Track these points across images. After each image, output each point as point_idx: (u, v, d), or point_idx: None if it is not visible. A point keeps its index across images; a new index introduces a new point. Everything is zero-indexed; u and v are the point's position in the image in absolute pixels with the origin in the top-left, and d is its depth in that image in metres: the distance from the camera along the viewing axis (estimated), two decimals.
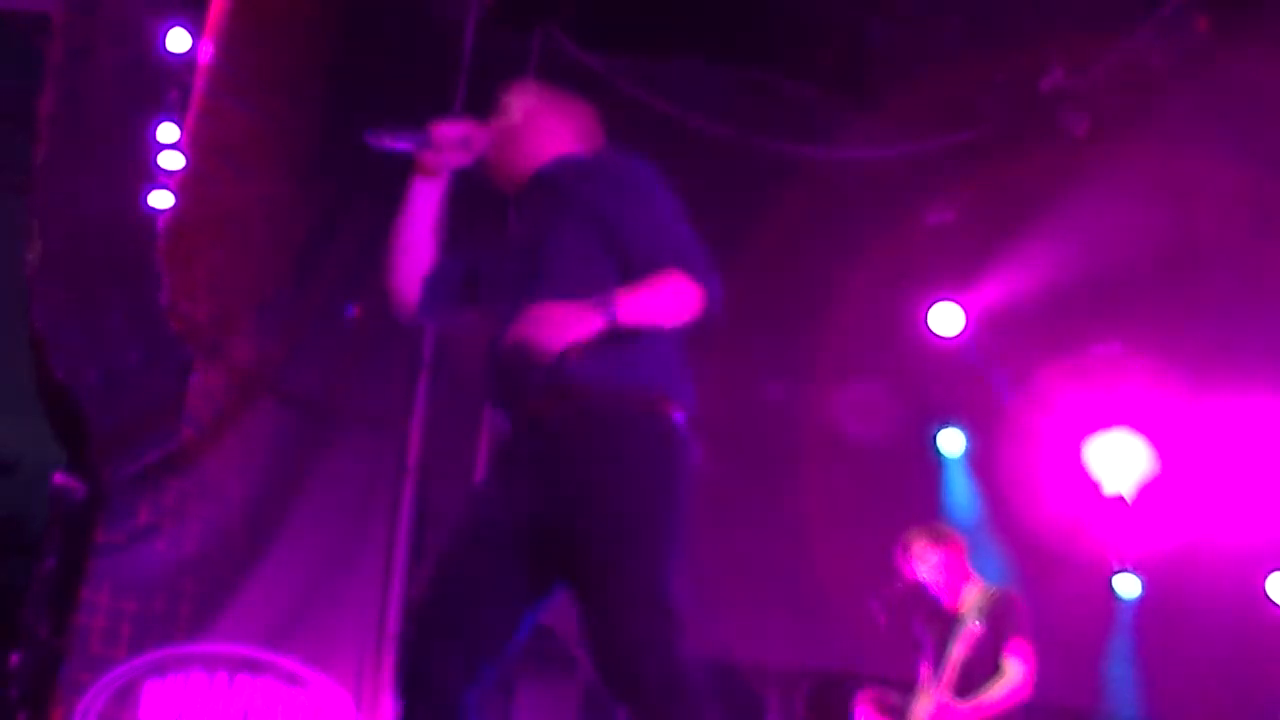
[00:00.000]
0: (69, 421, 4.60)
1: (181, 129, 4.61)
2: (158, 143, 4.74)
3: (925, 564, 4.99)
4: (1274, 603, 6.29)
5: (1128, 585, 6.50)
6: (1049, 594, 5.39)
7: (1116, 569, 6.47)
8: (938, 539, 5.15)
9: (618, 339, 2.66)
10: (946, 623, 4.92)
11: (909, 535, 5.23)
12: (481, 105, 3.14)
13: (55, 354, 4.33)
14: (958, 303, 6.65)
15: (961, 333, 6.63)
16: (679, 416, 2.76)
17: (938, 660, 4.94)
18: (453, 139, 2.85)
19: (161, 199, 4.69)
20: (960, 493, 6.75)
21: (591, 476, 2.62)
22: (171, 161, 4.68)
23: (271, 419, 4.94)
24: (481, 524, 2.75)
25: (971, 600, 4.93)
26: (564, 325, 2.55)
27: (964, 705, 4.71)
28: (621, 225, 2.80)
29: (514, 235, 2.98)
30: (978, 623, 4.94)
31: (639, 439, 2.67)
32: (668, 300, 2.74)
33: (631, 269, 2.77)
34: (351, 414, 4.86)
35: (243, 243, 4.79)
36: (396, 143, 2.83)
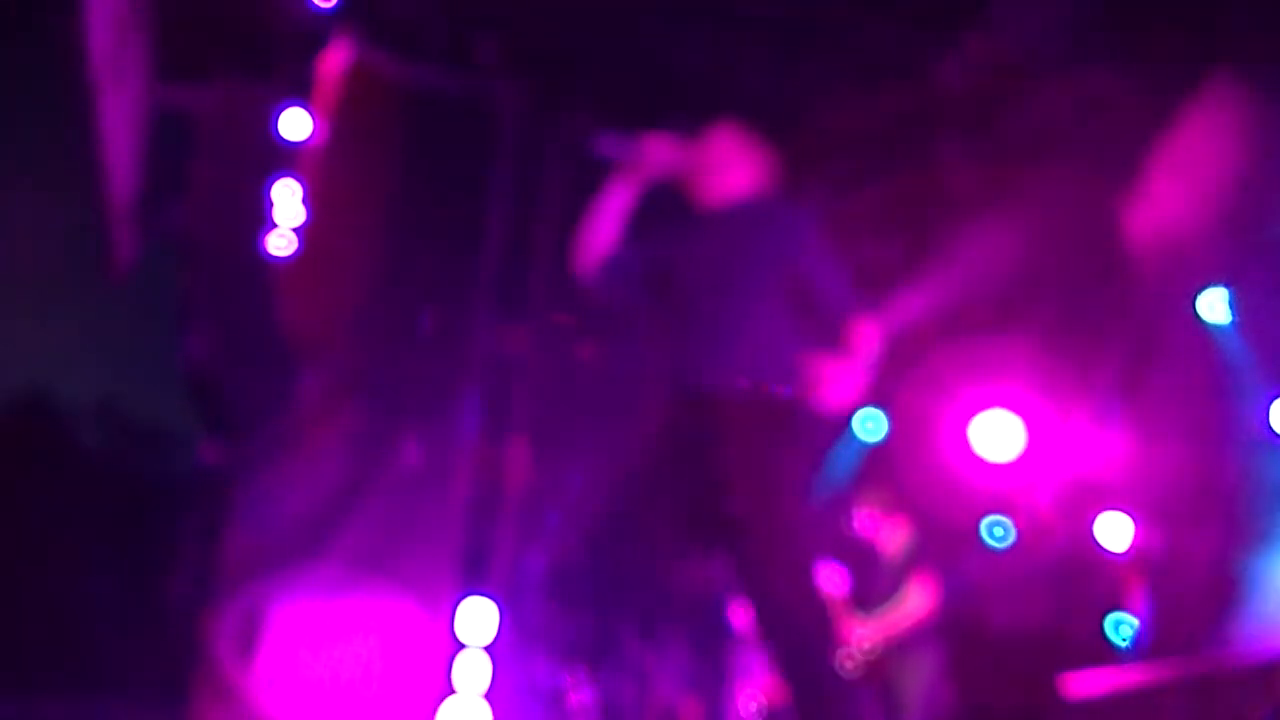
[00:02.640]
0: (211, 406, 5.65)
1: (299, 185, 5.61)
2: (272, 199, 5.85)
3: (860, 514, 5.87)
4: (1098, 542, 7.21)
5: (997, 531, 7.39)
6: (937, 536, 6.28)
7: (987, 518, 7.34)
8: (872, 498, 6.08)
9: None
10: (869, 559, 5.81)
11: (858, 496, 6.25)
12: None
13: (205, 356, 5.39)
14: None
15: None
16: None
17: (861, 588, 5.81)
18: (657, 156, 3.12)
19: (278, 242, 5.76)
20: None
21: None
22: (285, 212, 5.81)
23: (358, 410, 5.98)
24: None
25: (898, 546, 5.80)
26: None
27: (874, 621, 5.59)
28: (811, 272, 3.09)
29: (701, 250, 3.18)
30: (892, 559, 5.98)
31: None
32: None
33: (823, 309, 3.08)
34: (420, 407, 5.95)
35: (339, 274, 5.77)
36: (611, 149, 3.11)
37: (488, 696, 5.73)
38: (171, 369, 5.59)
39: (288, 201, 5.42)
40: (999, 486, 7.10)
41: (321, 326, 5.68)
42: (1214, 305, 6.96)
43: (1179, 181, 6.02)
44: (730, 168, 3.22)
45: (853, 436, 7.37)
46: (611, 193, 3.19)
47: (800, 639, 2.81)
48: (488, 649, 5.73)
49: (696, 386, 2.97)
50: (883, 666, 5.58)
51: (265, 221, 5.54)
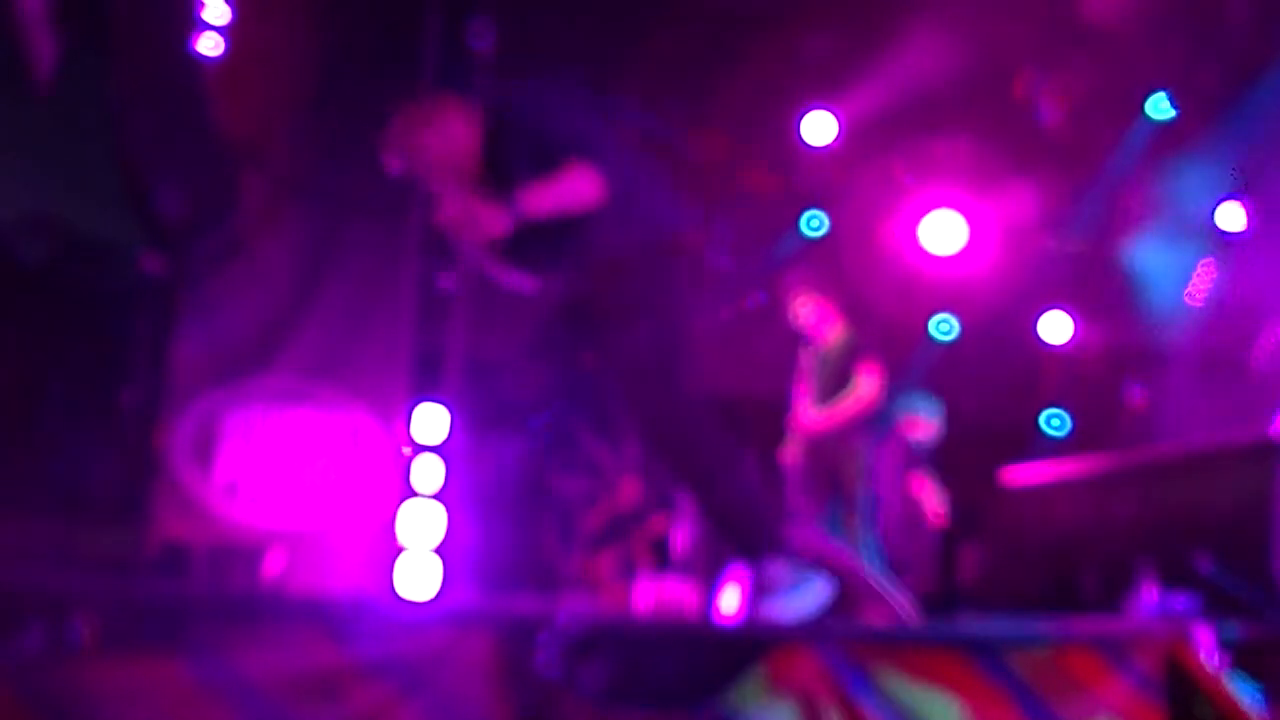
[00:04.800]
0: (151, 215, 5.48)
1: None
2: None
3: (803, 309, 6.05)
4: (1041, 339, 7.54)
5: (943, 328, 7.62)
6: (891, 330, 6.43)
7: (937, 314, 7.54)
8: (811, 293, 6.27)
9: None
10: (817, 353, 5.95)
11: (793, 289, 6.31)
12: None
13: (139, 161, 5.20)
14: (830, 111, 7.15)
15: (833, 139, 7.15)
16: None
17: (810, 380, 6.05)
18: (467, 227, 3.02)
19: (208, 44, 5.52)
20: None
21: None
22: (215, 13, 5.54)
23: (302, 214, 5.81)
24: None
25: (835, 338, 6.06)
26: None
27: (822, 411, 5.86)
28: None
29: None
30: (830, 350, 6.07)
31: None
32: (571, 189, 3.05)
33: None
34: (366, 209, 5.81)
35: (274, 75, 5.54)
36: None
37: (440, 498, 5.80)
38: (108, 179, 5.40)
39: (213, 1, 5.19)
40: (945, 281, 7.17)
41: (259, 129, 5.50)
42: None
43: None
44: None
45: (795, 231, 7.37)
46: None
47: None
48: (440, 450, 5.76)
49: None
50: (826, 456, 5.72)
51: (196, 22, 5.30)
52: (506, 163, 3.13)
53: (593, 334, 3.24)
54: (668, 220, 3.25)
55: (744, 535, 3.17)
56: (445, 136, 3.21)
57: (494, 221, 2.93)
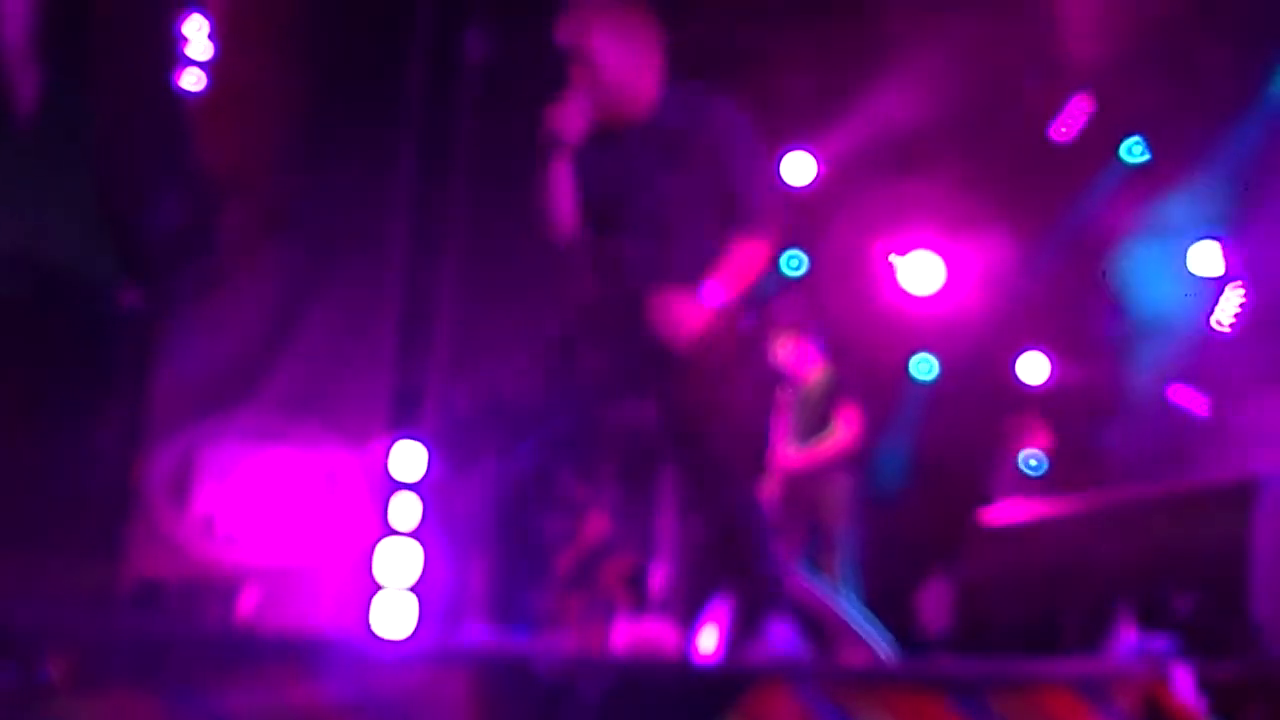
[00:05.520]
0: (130, 248, 5.46)
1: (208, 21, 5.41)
2: (185, 35, 5.58)
3: (783, 348, 6.02)
4: (1018, 378, 7.55)
5: (923, 367, 7.61)
6: (865, 372, 6.40)
7: (915, 354, 7.52)
8: (792, 332, 6.28)
9: None
10: (797, 392, 5.95)
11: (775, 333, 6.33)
12: None
13: (120, 194, 5.18)
14: (809, 152, 7.19)
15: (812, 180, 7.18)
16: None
17: (790, 420, 6.14)
18: (571, 129, 3.01)
19: (190, 79, 5.54)
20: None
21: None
22: (198, 49, 5.55)
23: (287, 244, 5.85)
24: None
25: (816, 377, 6.08)
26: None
27: (802, 451, 5.85)
28: (734, 180, 3.05)
29: (618, 171, 3.12)
30: (811, 391, 6.08)
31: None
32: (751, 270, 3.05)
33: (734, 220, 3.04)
34: (346, 244, 5.79)
35: (256, 110, 5.58)
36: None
37: (418, 536, 5.77)
38: (87, 212, 5.39)
39: (197, 37, 5.20)
40: (924, 322, 7.20)
41: (241, 162, 5.48)
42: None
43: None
44: (630, 78, 3.09)
45: (776, 271, 7.39)
46: (552, 172, 3.11)
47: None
48: (417, 488, 5.74)
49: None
50: (805, 494, 5.73)
51: (178, 58, 5.31)
52: (655, 143, 3.06)
53: (662, 390, 3.11)
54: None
55: (756, 598, 3.14)
56: (628, 62, 3.08)
57: (691, 317, 2.94)
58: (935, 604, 6.06)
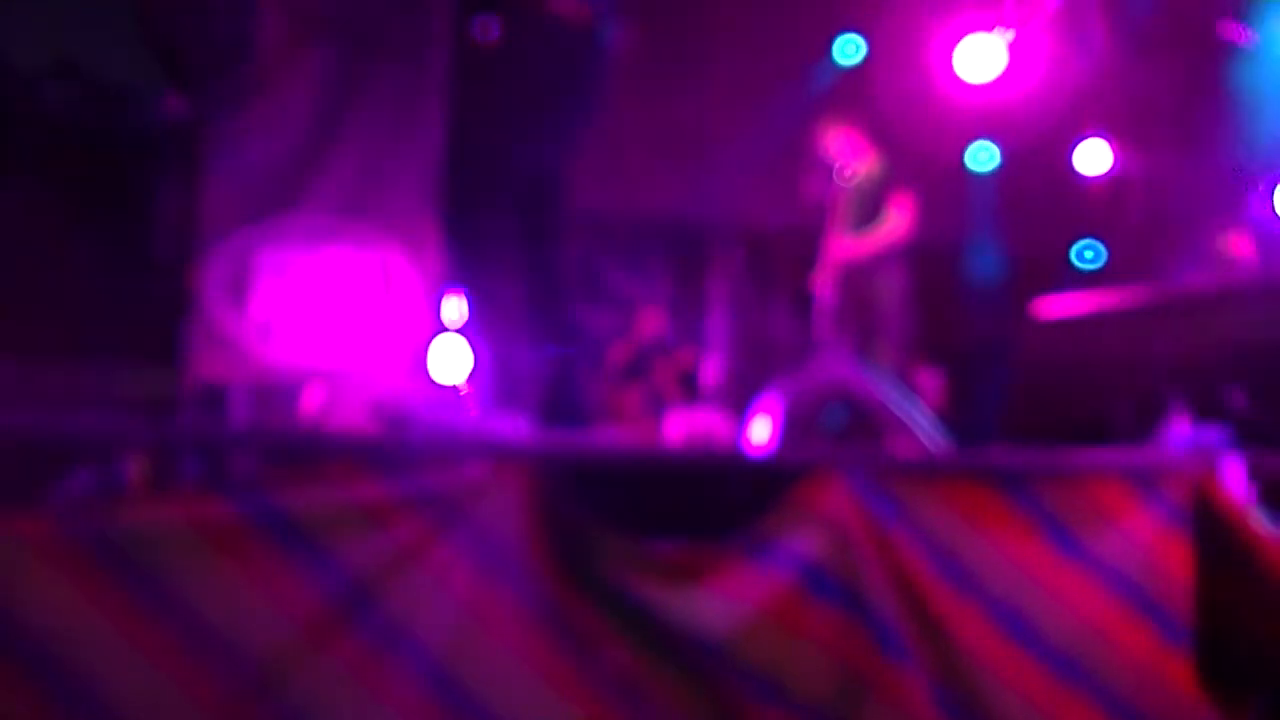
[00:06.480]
0: (171, 56, 5.42)
1: None
2: None
3: (833, 140, 6.08)
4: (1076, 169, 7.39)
5: (985, 156, 7.51)
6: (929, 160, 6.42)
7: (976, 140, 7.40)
8: (840, 119, 6.17)
9: None
10: (848, 184, 5.95)
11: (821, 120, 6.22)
12: None
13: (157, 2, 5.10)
14: None
15: None
16: None
17: (843, 211, 6.16)
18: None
19: None
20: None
21: None
22: None
23: (324, 50, 5.74)
24: None
25: (868, 166, 6.05)
26: None
27: (855, 240, 5.86)
28: None
29: None
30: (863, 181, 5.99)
31: None
32: None
33: None
34: (389, 45, 5.66)
35: None
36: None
37: (465, 332, 5.83)
38: (127, 21, 5.31)
39: None
40: (983, 109, 6.99)
41: None
42: None
43: None
44: None
45: (828, 60, 7.20)
46: None
47: None
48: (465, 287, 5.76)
49: None
50: (858, 285, 5.72)
51: None
52: None
53: None
54: None
55: None
56: None
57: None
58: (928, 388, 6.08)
